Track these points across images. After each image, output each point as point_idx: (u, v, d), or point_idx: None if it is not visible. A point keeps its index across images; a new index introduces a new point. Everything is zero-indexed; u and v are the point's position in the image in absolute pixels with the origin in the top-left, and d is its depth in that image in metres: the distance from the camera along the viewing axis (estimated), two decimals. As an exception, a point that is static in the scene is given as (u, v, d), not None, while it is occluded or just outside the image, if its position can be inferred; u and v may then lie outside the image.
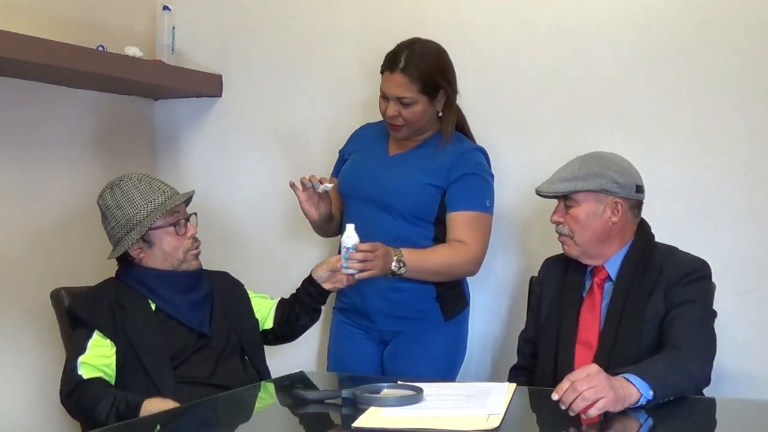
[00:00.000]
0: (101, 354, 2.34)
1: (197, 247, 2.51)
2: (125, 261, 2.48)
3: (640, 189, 2.37)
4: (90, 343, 2.34)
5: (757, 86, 2.69)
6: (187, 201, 2.56)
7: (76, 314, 2.40)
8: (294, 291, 2.62)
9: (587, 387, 1.86)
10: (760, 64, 2.69)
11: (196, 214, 2.56)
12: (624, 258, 2.35)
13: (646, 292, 2.27)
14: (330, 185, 2.64)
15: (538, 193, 2.41)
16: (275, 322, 2.62)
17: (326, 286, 2.55)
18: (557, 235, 2.73)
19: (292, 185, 2.67)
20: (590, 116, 2.87)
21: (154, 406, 2.20)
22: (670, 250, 2.36)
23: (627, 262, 2.34)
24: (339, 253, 2.54)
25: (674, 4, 2.77)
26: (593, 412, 1.86)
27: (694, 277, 2.26)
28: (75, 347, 2.35)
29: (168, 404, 2.20)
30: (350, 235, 2.44)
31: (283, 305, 2.62)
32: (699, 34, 2.75)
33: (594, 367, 1.92)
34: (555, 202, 2.76)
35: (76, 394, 2.28)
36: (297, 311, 2.59)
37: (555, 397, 1.89)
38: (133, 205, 2.42)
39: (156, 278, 2.45)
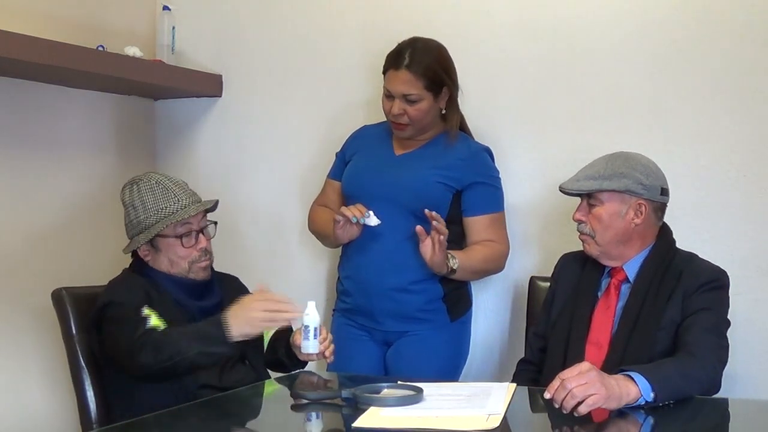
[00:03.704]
0: (158, 318, 2.31)
1: (206, 260, 2.48)
2: (139, 257, 2.49)
3: (665, 192, 2.36)
4: (145, 311, 2.30)
5: (757, 86, 2.69)
6: (209, 210, 2.53)
7: (119, 301, 2.34)
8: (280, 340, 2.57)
9: (576, 384, 1.86)
10: (760, 64, 2.69)
11: (216, 223, 2.54)
12: (644, 261, 2.34)
13: (663, 299, 2.26)
14: (377, 221, 2.60)
15: (562, 190, 2.39)
16: (267, 353, 2.59)
17: (301, 357, 2.44)
18: (561, 236, 2.73)
19: (336, 219, 2.64)
20: (589, 116, 2.87)
21: (237, 314, 2.24)
22: (691, 257, 2.35)
23: (647, 265, 2.33)
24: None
25: (674, 3, 2.78)
26: (584, 409, 1.85)
27: (712, 286, 2.25)
28: (133, 319, 2.27)
29: (254, 308, 2.24)
30: (309, 313, 2.30)
31: (273, 346, 2.57)
32: (698, 34, 2.75)
33: (585, 365, 1.91)
34: (554, 202, 2.78)
35: (150, 345, 2.21)
36: (279, 363, 2.56)
37: (547, 395, 1.89)
38: (145, 208, 2.42)
39: (168, 281, 2.45)
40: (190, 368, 2.25)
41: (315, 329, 2.32)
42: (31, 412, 2.93)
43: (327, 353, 2.37)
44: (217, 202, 2.55)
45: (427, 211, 2.54)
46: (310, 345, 2.33)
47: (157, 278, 2.45)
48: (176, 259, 2.44)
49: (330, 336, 2.41)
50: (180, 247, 2.43)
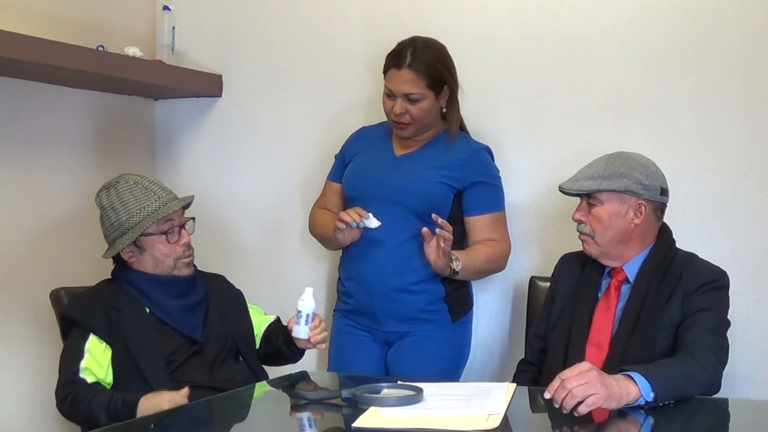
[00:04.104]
0: (99, 356, 2.34)
1: (189, 255, 2.48)
2: (120, 261, 2.48)
3: (664, 192, 2.36)
4: (87, 346, 2.33)
5: (758, 86, 2.69)
6: (185, 206, 2.54)
7: (72, 317, 2.38)
8: (280, 324, 2.59)
9: (576, 384, 1.86)
10: (761, 64, 2.69)
11: (193, 219, 2.55)
12: (644, 261, 2.34)
13: (663, 299, 2.26)
14: (377, 223, 2.59)
15: (561, 190, 2.39)
16: (260, 347, 2.60)
17: (299, 344, 2.46)
18: (561, 236, 2.73)
19: (338, 227, 2.63)
20: (591, 116, 2.87)
21: (150, 402, 2.19)
22: (691, 258, 2.35)
23: (646, 266, 2.33)
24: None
25: (675, 4, 2.78)
26: (584, 409, 1.85)
27: (712, 287, 2.25)
28: (73, 352, 2.34)
29: (164, 397, 2.19)
30: (305, 299, 2.35)
31: (268, 338, 2.58)
32: (699, 34, 2.75)
33: (585, 365, 1.91)
34: (554, 202, 2.78)
35: (71, 396, 2.28)
36: (277, 353, 2.56)
37: (547, 395, 1.89)
38: (126, 209, 2.41)
39: (148, 282, 2.44)
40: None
41: (307, 315, 2.35)
42: (29, 411, 2.93)
43: (313, 340, 2.38)
44: (193, 198, 2.55)
45: (434, 216, 2.55)
46: (300, 330, 2.37)
47: (139, 282, 2.44)
48: (161, 257, 2.44)
49: (323, 324, 2.43)
50: (165, 244, 2.44)
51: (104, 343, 2.35)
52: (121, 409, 2.21)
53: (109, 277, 2.53)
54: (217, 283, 2.61)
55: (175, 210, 2.43)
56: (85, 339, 2.34)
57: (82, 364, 2.31)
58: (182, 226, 2.49)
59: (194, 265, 2.54)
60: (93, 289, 2.49)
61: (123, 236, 2.41)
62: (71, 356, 2.33)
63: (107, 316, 2.37)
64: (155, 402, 2.19)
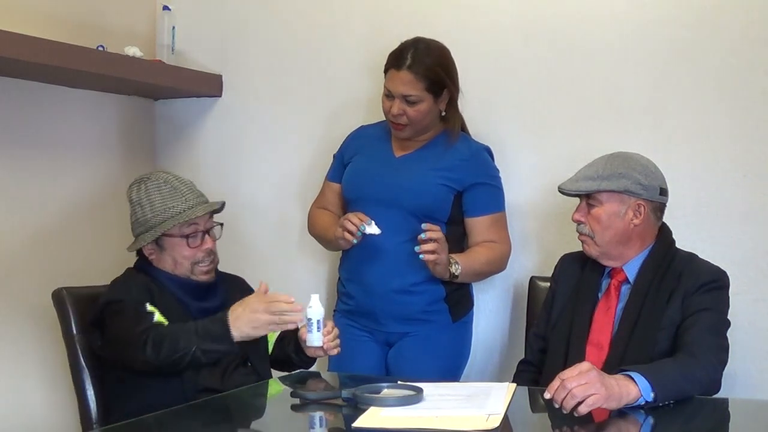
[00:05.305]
0: (160, 315, 2.33)
1: (210, 262, 2.47)
2: (143, 256, 2.48)
3: (663, 192, 2.36)
4: (148, 308, 2.31)
5: (757, 86, 2.70)
6: (214, 211, 2.51)
7: (120, 298, 2.34)
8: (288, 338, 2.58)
9: (576, 384, 1.86)
10: (760, 64, 2.69)
11: (221, 225, 2.53)
12: (644, 262, 2.34)
13: (663, 299, 2.26)
14: (377, 230, 2.59)
15: (561, 190, 2.40)
16: (272, 354, 2.58)
17: (308, 352, 2.45)
18: (561, 236, 2.72)
19: (342, 236, 2.63)
20: (589, 117, 2.88)
21: (240, 311, 2.24)
22: (690, 258, 2.35)
23: (646, 266, 2.33)
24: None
25: (674, 3, 2.78)
26: (584, 409, 1.86)
27: (712, 287, 2.25)
28: (136, 317, 2.28)
29: (253, 301, 2.25)
30: (312, 306, 2.31)
31: (281, 344, 2.57)
32: (698, 33, 2.75)
33: (585, 365, 1.91)
34: (554, 202, 2.78)
35: (150, 337, 2.22)
36: (287, 360, 2.55)
37: (547, 395, 1.89)
38: (152, 207, 2.41)
39: (170, 281, 2.44)
40: (192, 364, 2.25)
41: (318, 322, 2.33)
42: (31, 412, 2.93)
43: (326, 346, 2.37)
44: (223, 204, 2.54)
45: (423, 225, 2.55)
46: (314, 338, 2.34)
47: (160, 277, 2.44)
48: (180, 260, 2.44)
49: (336, 330, 2.41)
50: (185, 248, 2.43)
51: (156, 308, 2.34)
52: (210, 324, 2.24)
53: (117, 274, 2.51)
54: (236, 287, 2.59)
55: (199, 215, 2.42)
56: (143, 304, 2.31)
57: (155, 317, 2.29)
58: (207, 231, 2.47)
59: (217, 271, 2.52)
60: (124, 276, 2.48)
61: (146, 233, 2.42)
62: (137, 317, 2.28)
63: (149, 292, 2.36)
64: (247, 316, 2.24)
